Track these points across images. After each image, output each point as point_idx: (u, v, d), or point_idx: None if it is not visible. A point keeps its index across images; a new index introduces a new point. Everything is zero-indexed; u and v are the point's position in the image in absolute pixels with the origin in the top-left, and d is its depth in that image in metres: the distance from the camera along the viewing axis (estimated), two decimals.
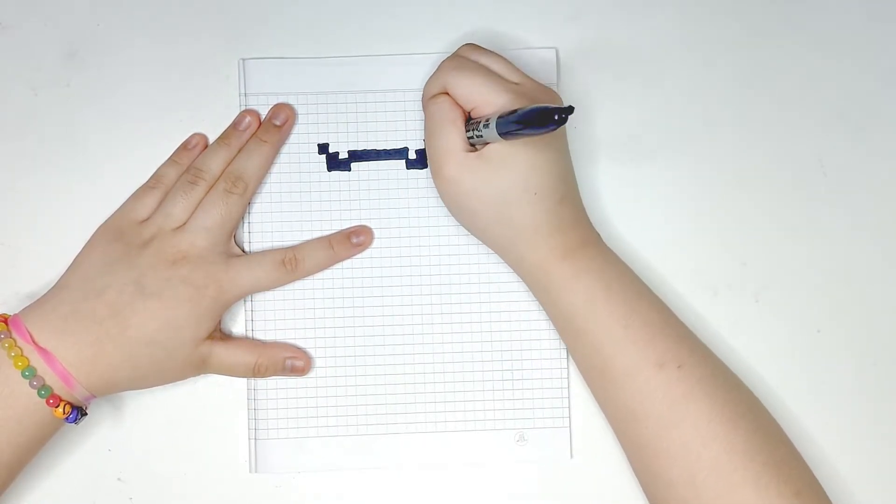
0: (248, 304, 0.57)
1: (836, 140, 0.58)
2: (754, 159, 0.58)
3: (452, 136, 0.52)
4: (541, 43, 0.58)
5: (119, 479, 0.56)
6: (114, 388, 0.52)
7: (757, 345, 0.57)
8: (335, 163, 0.57)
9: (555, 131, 0.46)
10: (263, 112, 0.57)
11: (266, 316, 0.57)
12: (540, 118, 0.46)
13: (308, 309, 0.57)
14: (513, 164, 0.51)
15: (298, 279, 0.56)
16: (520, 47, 0.58)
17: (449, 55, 0.54)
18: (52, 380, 0.50)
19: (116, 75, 0.58)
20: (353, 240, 0.57)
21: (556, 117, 0.45)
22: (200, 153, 0.56)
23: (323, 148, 0.58)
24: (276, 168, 0.57)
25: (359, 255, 0.57)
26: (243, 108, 0.57)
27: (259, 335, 0.57)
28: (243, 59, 0.57)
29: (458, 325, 0.57)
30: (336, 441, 0.56)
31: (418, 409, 0.57)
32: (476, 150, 0.52)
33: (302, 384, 0.57)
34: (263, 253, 0.56)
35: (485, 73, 0.52)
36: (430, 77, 0.53)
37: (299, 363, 0.56)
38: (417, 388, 0.57)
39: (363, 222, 0.57)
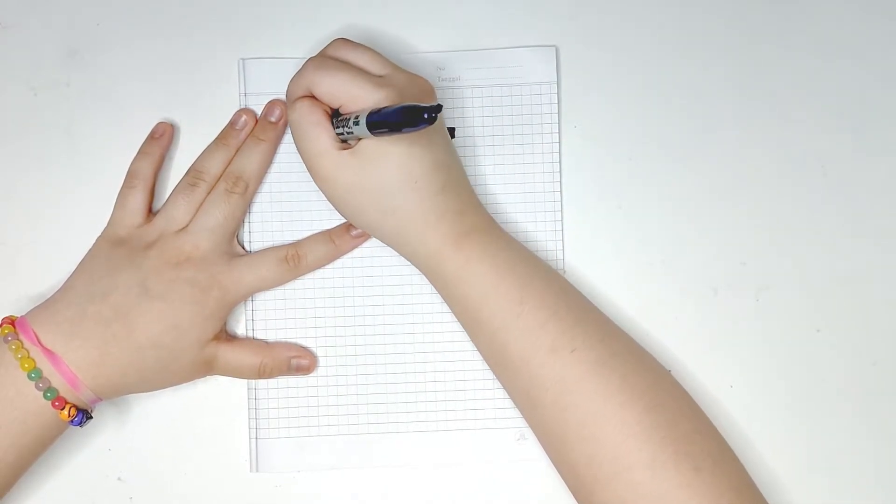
0: (249, 304, 0.57)
1: (836, 140, 0.58)
2: (754, 159, 0.58)
3: (321, 137, 0.51)
4: (541, 41, 0.58)
5: (119, 479, 0.56)
6: (120, 390, 0.52)
7: (757, 344, 0.57)
8: None
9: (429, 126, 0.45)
10: None
11: (266, 315, 0.57)
12: (408, 117, 0.45)
13: (308, 308, 0.57)
14: (389, 156, 0.50)
15: (301, 275, 0.56)
16: (519, 45, 0.58)
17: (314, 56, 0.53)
18: (58, 382, 0.50)
19: (116, 75, 0.57)
20: (353, 232, 0.56)
21: (426, 116, 0.44)
22: (169, 142, 0.56)
23: None
24: (275, 167, 0.57)
25: (358, 255, 0.57)
26: (243, 107, 0.57)
27: (260, 335, 0.57)
28: (243, 59, 0.57)
29: (459, 324, 0.57)
30: (336, 441, 0.56)
31: (419, 409, 0.57)
32: (349, 145, 0.51)
33: (303, 383, 0.57)
34: (265, 251, 0.56)
35: (348, 69, 0.51)
36: (292, 79, 0.53)
37: (304, 362, 0.56)
38: (418, 387, 0.57)
39: None
